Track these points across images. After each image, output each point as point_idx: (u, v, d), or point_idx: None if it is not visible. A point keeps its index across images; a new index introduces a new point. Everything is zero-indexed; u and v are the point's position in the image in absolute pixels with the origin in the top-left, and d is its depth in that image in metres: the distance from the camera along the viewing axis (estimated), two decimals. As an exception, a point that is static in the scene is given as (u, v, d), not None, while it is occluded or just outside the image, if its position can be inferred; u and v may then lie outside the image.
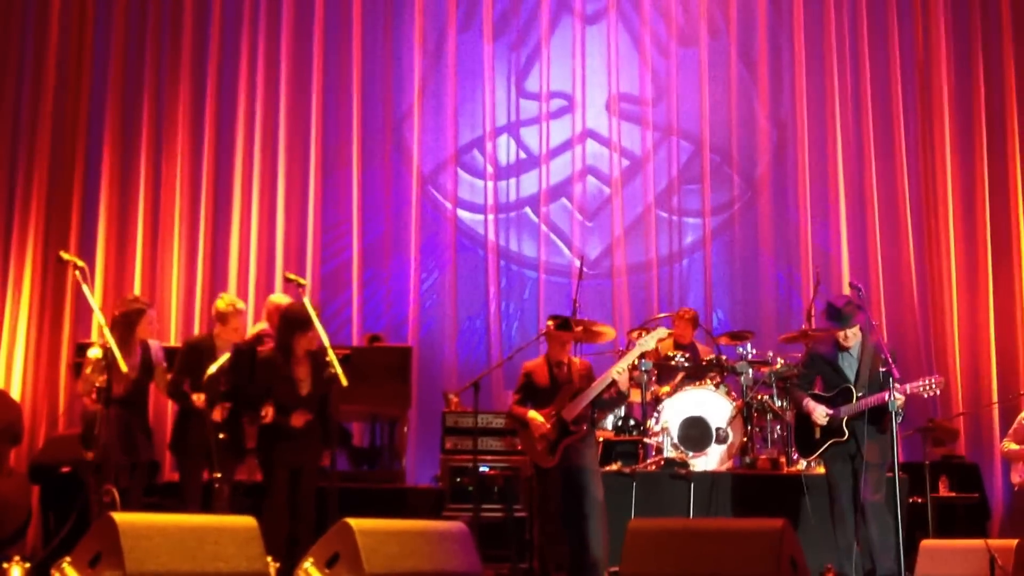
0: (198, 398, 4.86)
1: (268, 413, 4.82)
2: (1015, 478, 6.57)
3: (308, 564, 3.72)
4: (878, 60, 8.10)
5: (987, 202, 7.88)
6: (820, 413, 5.10)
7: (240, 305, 5.29)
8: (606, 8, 8.27)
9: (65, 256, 5.06)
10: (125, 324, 4.96)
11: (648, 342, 5.30)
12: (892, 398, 4.83)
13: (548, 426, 5.16)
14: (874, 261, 7.91)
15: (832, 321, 5.12)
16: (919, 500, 6.18)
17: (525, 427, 5.24)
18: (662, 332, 5.49)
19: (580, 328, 6.35)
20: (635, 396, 6.48)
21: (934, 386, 4.98)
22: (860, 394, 5.05)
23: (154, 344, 5.19)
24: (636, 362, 6.38)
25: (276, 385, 4.90)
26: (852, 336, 5.09)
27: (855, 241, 7.98)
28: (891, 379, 4.86)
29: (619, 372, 5.13)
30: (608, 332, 6.62)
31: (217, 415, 4.85)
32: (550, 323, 5.40)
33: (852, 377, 5.11)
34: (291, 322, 4.96)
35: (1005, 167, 7.93)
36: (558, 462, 5.16)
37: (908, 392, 4.94)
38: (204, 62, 7.99)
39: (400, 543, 3.81)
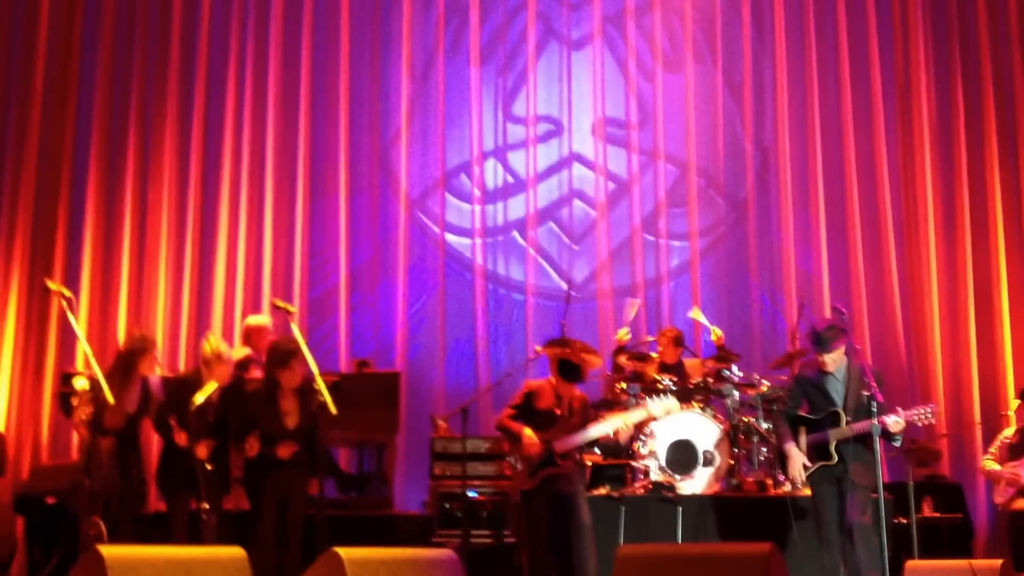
0: (179, 437, 4.85)
1: (252, 446, 4.81)
2: (998, 498, 6.63)
3: (297, 595, 3.71)
4: (859, 85, 8.21)
5: (968, 224, 7.97)
6: (797, 466, 5.07)
7: (224, 350, 5.14)
8: (592, 34, 8.36)
9: (51, 285, 5.08)
10: (127, 361, 4.97)
11: (657, 410, 5.32)
12: (876, 423, 4.88)
13: (539, 448, 5.18)
14: (856, 283, 7.98)
15: (813, 346, 5.17)
16: (903, 521, 6.22)
17: (516, 441, 5.23)
18: (674, 405, 5.42)
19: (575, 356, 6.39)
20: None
21: (929, 415, 5.03)
22: (849, 419, 5.08)
23: (154, 379, 5.19)
24: (625, 385, 6.45)
25: (262, 419, 4.90)
26: (832, 361, 5.11)
27: (837, 264, 8.05)
28: (873, 403, 4.91)
29: (625, 426, 5.18)
30: (596, 361, 6.66)
31: (202, 452, 4.83)
32: (538, 348, 5.43)
33: (839, 401, 5.14)
34: (273, 359, 5.00)
35: (985, 190, 8.04)
36: (541, 487, 5.17)
37: (904, 418, 4.98)
38: (191, 87, 8.01)
39: (389, 572, 3.79)
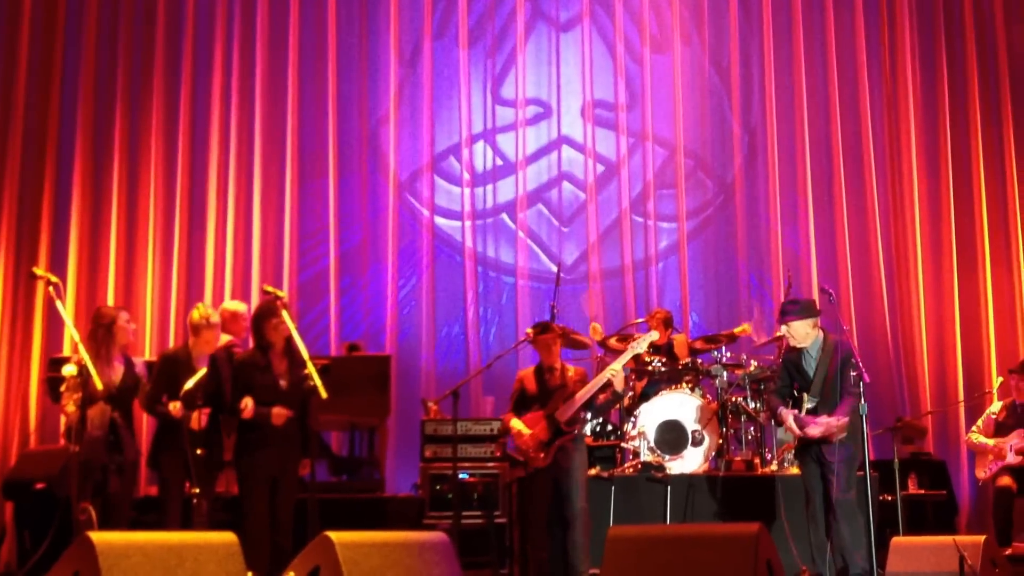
0: (174, 407, 4.84)
1: (248, 405, 4.82)
2: (980, 474, 6.72)
3: (289, 579, 3.73)
4: (846, 68, 8.25)
5: (952, 205, 8.06)
6: (791, 420, 5.17)
7: (214, 318, 5.21)
8: (580, 15, 8.35)
9: (38, 272, 5.05)
10: (101, 336, 4.95)
11: (641, 344, 5.47)
12: (864, 402, 4.92)
13: (527, 435, 5.24)
14: (843, 264, 8.06)
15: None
16: (889, 497, 6.30)
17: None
18: (654, 335, 5.69)
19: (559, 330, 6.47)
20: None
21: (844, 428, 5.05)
22: (816, 397, 5.13)
23: (138, 360, 5.19)
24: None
25: (255, 378, 4.92)
26: (794, 336, 5.18)
27: (824, 244, 8.12)
28: (862, 382, 4.95)
29: (614, 372, 5.26)
30: (587, 337, 6.72)
31: (195, 423, 4.83)
32: (530, 331, 5.49)
33: (811, 378, 5.22)
34: (259, 314, 5.04)
35: (969, 171, 8.12)
36: (549, 465, 5.25)
37: (820, 429, 5.03)
38: (178, 71, 7.94)
39: (381, 555, 3.81)
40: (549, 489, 5.26)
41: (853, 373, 5.03)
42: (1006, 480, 6.45)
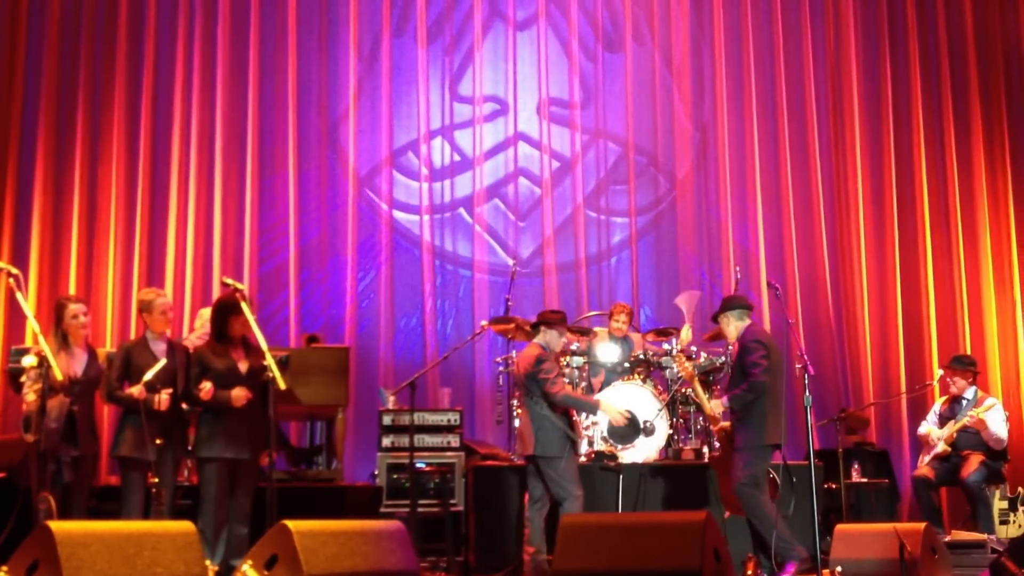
0: (138, 391, 4.88)
1: (206, 388, 4.86)
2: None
3: (247, 566, 3.79)
4: (793, 68, 8.48)
5: (895, 203, 8.33)
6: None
7: (161, 291, 5.32)
8: (536, 15, 8.48)
9: (-1, 264, 5.03)
10: (57, 327, 4.97)
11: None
12: (808, 394, 5.09)
13: None
14: (790, 259, 8.29)
15: None
16: (833, 486, 6.52)
17: (594, 412, 5.52)
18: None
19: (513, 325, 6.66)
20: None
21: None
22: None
23: (101, 352, 5.22)
24: (567, 359, 6.66)
25: (214, 364, 4.98)
26: (724, 330, 5.46)
27: (772, 240, 8.34)
28: (807, 375, 5.13)
29: None
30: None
31: (156, 404, 4.86)
32: (485, 324, 5.64)
33: None
34: (224, 308, 5.11)
35: (912, 170, 8.39)
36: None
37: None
38: (139, 66, 7.93)
39: (338, 543, 3.89)
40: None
41: (799, 365, 5.21)
42: (923, 471, 6.66)
